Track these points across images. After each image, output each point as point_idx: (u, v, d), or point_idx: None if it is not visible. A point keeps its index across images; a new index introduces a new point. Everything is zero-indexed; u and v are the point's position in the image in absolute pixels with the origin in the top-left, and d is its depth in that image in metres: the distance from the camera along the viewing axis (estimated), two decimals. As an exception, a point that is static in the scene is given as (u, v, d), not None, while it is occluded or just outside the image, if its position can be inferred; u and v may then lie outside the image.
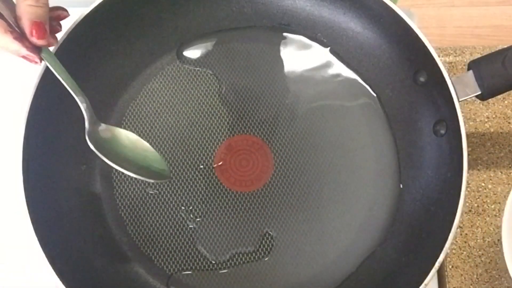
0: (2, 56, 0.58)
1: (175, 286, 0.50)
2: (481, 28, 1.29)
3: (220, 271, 0.50)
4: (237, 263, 0.50)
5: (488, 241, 0.53)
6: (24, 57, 0.39)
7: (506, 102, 0.58)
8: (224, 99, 0.54)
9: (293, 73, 0.55)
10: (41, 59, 0.40)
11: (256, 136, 0.53)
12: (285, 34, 0.56)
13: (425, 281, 0.43)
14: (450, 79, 0.46)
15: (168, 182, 0.52)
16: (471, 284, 0.52)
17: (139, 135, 0.52)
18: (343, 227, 0.51)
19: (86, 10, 0.48)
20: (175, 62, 0.55)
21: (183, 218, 0.51)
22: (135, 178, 0.52)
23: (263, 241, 0.50)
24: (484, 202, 0.54)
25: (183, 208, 0.51)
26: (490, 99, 0.49)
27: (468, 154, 0.45)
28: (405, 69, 0.51)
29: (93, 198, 0.51)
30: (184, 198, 0.51)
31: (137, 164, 0.46)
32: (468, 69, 0.48)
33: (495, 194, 0.54)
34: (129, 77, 0.54)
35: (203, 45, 0.55)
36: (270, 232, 0.51)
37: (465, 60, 0.59)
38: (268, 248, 0.50)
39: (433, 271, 0.43)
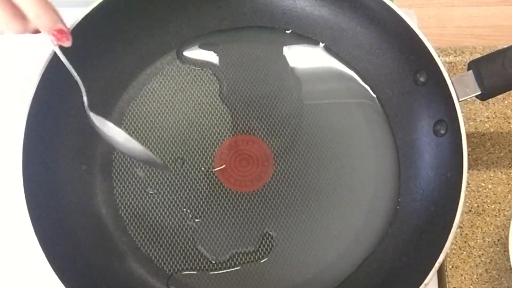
0: (2, 56, 0.59)
1: (175, 286, 0.50)
2: (481, 28, 1.29)
3: (220, 271, 0.50)
4: (237, 263, 0.50)
5: (488, 241, 0.53)
6: (57, 32, 0.39)
7: (506, 102, 0.58)
8: (224, 99, 0.54)
9: (293, 73, 0.55)
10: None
11: (256, 136, 0.53)
12: (285, 34, 0.56)
13: (425, 281, 0.43)
14: (450, 79, 0.46)
15: (168, 182, 0.52)
16: (471, 284, 0.52)
17: (139, 135, 0.53)
18: (343, 227, 0.51)
19: (86, 10, 0.48)
20: (175, 62, 0.55)
21: (183, 218, 0.51)
22: (135, 178, 0.52)
23: (263, 241, 0.50)
24: (484, 202, 0.54)
25: (183, 208, 0.51)
26: (490, 99, 0.49)
27: (468, 154, 0.45)
28: (405, 69, 0.51)
29: (93, 198, 0.51)
30: (184, 198, 0.51)
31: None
32: (468, 69, 0.48)
33: (495, 194, 0.54)
34: (129, 77, 0.54)
35: (203, 45, 0.55)
36: (270, 232, 0.51)
37: (465, 60, 0.59)
38: (268, 248, 0.50)
39: (433, 271, 0.43)
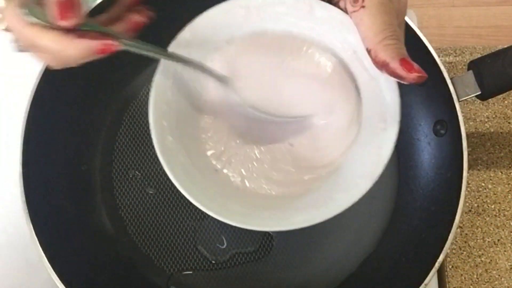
0: (2, 55, 0.58)
1: (175, 286, 0.50)
2: (481, 28, 1.29)
3: (220, 271, 0.50)
4: (237, 263, 0.50)
5: (488, 241, 0.53)
6: (101, 50, 0.33)
7: (506, 102, 0.58)
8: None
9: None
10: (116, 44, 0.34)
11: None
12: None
13: (425, 281, 0.43)
14: (450, 79, 0.46)
15: (168, 182, 0.51)
16: (471, 284, 0.52)
17: (139, 135, 0.53)
18: (343, 227, 0.51)
19: (88, 9, 0.48)
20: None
21: (183, 218, 0.51)
22: (135, 178, 0.52)
23: (263, 241, 0.50)
24: (484, 202, 0.54)
25: (183, 208, 0.51)
26: (490, 99, 0.49)
27: (468, 154, 0.45)
28: (405, 69, 0.51)
29: (93, 198, 0.51)
30: (184, 198, 0.51)
31: None
32: (468, 69, 0.48)
33: (495, 194, 0.54)
34: (129, 77, 0.54)
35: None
36: (270, 232, 0.51)
37: (465, 60, 0.59)
38: (268, 248, 0.50)
39: (433, 271, 0.43)
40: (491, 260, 0.52)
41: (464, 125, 0.45)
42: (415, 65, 0.35)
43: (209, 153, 0.40)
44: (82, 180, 0.51)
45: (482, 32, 1.28)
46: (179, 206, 0.51)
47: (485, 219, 0.54)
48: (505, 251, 0.52)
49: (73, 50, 0.32)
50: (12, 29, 0.32)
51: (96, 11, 0.48)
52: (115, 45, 0.34)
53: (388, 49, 0.34)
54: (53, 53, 0.32)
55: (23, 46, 0.32)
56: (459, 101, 0.46)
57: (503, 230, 0.53)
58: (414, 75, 0.34)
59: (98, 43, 0.33)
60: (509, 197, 0.54)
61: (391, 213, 0.51)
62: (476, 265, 0.52)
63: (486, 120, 0.57)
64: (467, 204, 0.54)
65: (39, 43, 0.31)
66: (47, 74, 0.47)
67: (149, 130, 0.53)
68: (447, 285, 0.52)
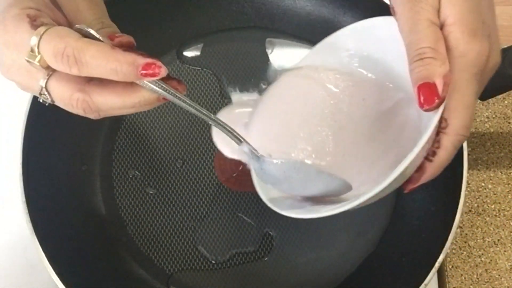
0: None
1: (175, 286, 0.50)
2: (481, 28, 1.28)
3: (220, 271, 0.50)
4: (237, 263, 0.50)
5: (488, 241, 0.53)
6: (146, 68, 0.32)
7: (506, 102, 0.58)
8: (224, 99, 0.54)
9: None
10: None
11: (256, 136, 0.53)
12: (285, 34, 0.55)
13: (425, 281, 0.43)
14: (450, 79, 0.46)
15: (168, 182, 0.52)
16: (471, 284, 0.52)
17: (140, 135, 0.53)
18: (343, 227, 0.51)
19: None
20: (175, 62, 0.55)
21: (183, 218, 0.51)
22: (135, 178, 0.52)
23: (263, 241, 0.50)
24: (484, 202, 0.54)
25: (183, 208, 0.51)
26: (490, 99, 0.49)
27: (468, 154, 0.45)
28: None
29: (93, 198, 0.51)
30: (184, 198, 0.51)
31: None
32: (468, 69, 0.48)
33: (495, 194, 0.54)
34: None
35: (203, 45, 0.55)
36: (270, 232, 0.51)
37: (465, 60, 0.59)
38: (268, 248, 0.50)
39: (433, 271, 0.43)
40: (491, 260, 0.52)
41: (464, 125, 0.45)
42: (423, 98, 0.30)
43: None
44: (82, 180, 0.51)
45: (482, 32, 1.28)
46: (179, 206, 0.51)
47: (485, 219, 0.54)
48: (505, 251, 0.52)
49: (117, 64, 0.30)
50: (58, 45, 0.30)
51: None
52: (162, 68, 0.32)
53: (414, 72, 0.30)
54: (94, 70, 0.30)
55: (66, 63, 0.30)
56: (459, 101, 0.46)
57: (503, 230, 0.53)
58: (426, 107, 0.30)
59: (146, 59, 0.31)
60: (509, 197, 0.54)
61: (391, 213, 0.51)
62: (476, 265, 0.52)
63: (486, 120, 0.57)
64: (467, 204, 0.54)
65: (84, 57, 0.30)
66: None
67: (149, 130, 0.53)
68: (447, 285, 0.52)
